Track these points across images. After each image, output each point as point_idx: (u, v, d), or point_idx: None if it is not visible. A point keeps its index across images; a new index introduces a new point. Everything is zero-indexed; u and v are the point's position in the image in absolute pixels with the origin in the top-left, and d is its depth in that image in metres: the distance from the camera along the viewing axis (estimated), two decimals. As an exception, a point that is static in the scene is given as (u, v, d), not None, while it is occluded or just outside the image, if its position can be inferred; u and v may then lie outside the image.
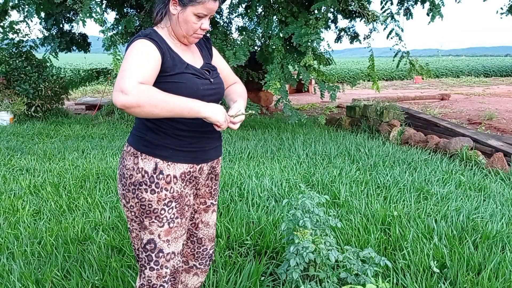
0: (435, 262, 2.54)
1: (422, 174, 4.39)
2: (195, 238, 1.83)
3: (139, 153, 1.56)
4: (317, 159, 5.06)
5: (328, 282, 2.13)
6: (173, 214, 1.58)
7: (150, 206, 1.55)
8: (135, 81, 1.37)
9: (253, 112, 1.71)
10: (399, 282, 2.36)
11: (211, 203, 1.82)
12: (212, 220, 1.85)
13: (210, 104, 1.48)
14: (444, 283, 2.36)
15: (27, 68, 8.49)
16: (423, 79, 20.10)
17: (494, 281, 2.32)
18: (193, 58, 1.65)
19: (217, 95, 1.65)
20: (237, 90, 1.80)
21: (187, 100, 1.45)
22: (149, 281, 1.62)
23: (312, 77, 7.59)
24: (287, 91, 7.06)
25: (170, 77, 1.51)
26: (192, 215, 1.80)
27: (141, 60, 1.44)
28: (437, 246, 2.70)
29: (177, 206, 1.59)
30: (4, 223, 3.16)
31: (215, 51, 1.80)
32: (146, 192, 1.54)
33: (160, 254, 1.60)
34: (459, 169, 4.73)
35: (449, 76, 26.33)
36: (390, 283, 2.32)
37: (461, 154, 5.26)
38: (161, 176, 1.54)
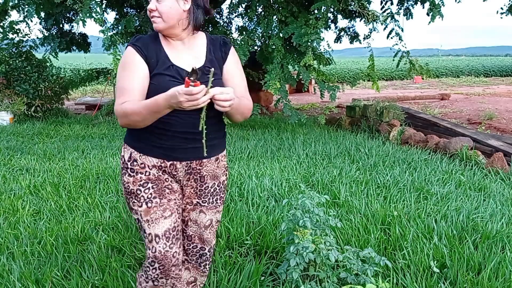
0: (435, 262, 2.54)
1: (422, 174, 4.39)
2: (185, 234, 1.87)
3: (124, 143, 1.76)
4: (317, 159, 5.06)
5: (328, 282, 2.13)
6: (150, 194, 1.68)
7: (128, 187, 1.70)
8: (119, 105, 1.58)
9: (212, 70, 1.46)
10: (399, 282, 2.36)
11: (198, 202, 1.81)
12: (201, 220, 1.84)
13: (168, 92, 1.46)
14: (444, 283, 2.36)
15: (27, 68, 8.48)
16: (423, 79, 20.09)
17: (494, 281, 2.32)
18: (189, 57, 1.66)
19: None
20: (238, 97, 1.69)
21: (152, 100, 1.53)
22: (148, 255, 1.69)
23: (312, 77, 7.59)
24: (287, 91, 7.06)
25: (151, 78, 1.63)
26: (187, 213, 1.84)
27: (125, 76, 1.62)
28: (437, 246, 2.70)
29: (154, 186, 1.69)
30: (4, 223, 3.16)
31: (233, 60, 1.76)
32: (125, 175, 1.71)
33: (145, 234, 1.69)
34: (459, 169, 4.73)
35: (449, 76, 26.32)
36: (390, 283, 2.32)
37: (461, 154, 5.26)
38: (135, 163, 1.70)
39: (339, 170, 4.46)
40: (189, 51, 1.68)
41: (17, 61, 8.54)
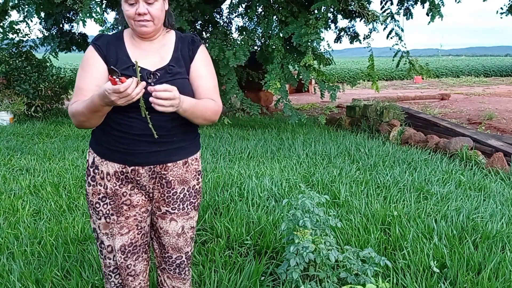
0: (435, 262, 2.54)
1: (422, 174, 4.39)
2: (161, 242, 1.80)
3: (89, 146, 1.69)
4: (317, 159, 5.06)
5: (328, 282, 2.13)
6: (108, 210, 1.66)
7: (88, 197, 1.68)
8: (71, 105, 1.56)
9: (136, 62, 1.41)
10: (399, 282, 2.36)
11: (167, 210, 1.72)
12: (173, 228, 1.74)
13: (100, 90, 1.40)
14: (444, 283, 2.36)
15: (27, 68, 8.48)
16: (423, 79, 20.09)
17: (494, 281, 2.32)
18: (155, 57, 1.60)
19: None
20: (202, 99, 1.62)
21: (89, 99, 1.47)
22: (102, 267, 1.74)
23: (312, 77, 7.59)
24: (287, 91, 7.06)
25: None
26: (156, 218, 1.76)
27: (81, 76, 1.59)
28: (437, 246, 2.70)
29: (111, 203, 1.65)
30: (4, 223, 3.16)
31: (201, 60, 1.67)
32: (86, 182, 1.68)
33: (102, 245, 1.71)
34: (459, 169, 4.73)
35: (449, 76, 26.32)
36: (390, 283, 2.32)
37: (461, 154, 5.26)
38: (96, 171, 1.64)
39: (339, 170, 4.46)
40: (155, 51, 1.62)
41: (17, 61, 8.54)
